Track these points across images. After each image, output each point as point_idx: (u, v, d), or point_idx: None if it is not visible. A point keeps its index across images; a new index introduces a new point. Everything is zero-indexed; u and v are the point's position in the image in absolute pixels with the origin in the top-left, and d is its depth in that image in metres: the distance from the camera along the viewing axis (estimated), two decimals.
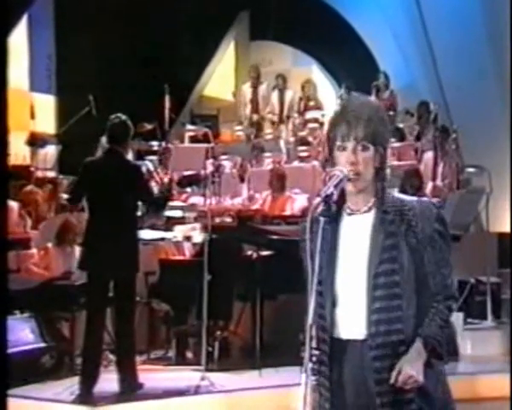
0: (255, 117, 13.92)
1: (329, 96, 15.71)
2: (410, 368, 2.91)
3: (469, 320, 8.97)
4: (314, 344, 2.87)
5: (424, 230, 2.99)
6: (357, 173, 2.98)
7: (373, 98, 3.47)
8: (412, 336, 2.96)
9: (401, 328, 2.96)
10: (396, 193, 3.13)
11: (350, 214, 3.06)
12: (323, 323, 3.01)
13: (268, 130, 13.68)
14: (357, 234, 3.03)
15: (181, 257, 9.26)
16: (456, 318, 8.43)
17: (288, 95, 13.98)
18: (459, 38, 12.95)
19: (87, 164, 7.25)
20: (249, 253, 8.44)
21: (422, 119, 12.43)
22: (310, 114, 13.09)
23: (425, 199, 3.20)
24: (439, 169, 11.49)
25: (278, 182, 10.43)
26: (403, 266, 2.97)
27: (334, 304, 3.01)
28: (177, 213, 9.74)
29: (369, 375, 2.97)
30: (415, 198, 3.12)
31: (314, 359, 2.86)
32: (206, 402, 7.07)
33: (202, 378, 7.10)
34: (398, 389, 2.92)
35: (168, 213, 9.54)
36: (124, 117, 7.21)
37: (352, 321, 3.00)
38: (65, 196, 10.43)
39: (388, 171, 3.10)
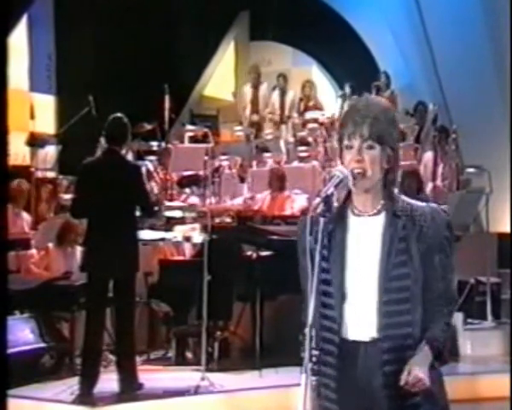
0: (255, 117, 13.91)
1: (329, 96, 15.70)
2: (419, 371, 2.91)
3: (469, 320, 8.97)
4: (314, 344, 2.86)
5: (435, 236, 3.00)
6: (363, 172, 2.97)
7: (383, 99, 3.43)
8: (419, 339, 2.97)
9: (410, 332, 2.97)
10: (405, 197, 3.11)
11: (358, 215, 3.05)
12: (331, 324, 3.01)
13: (268, 130, 13.66)
14: (367, 236, 3.02)
15: (181, 257, 9.25)
16: (456, 318, 8.43)
17: (289, 95, 13.98)
18: (459, 38, 12.94)
19: (86, 165, 7.25)
20: (249, 253, 8.44)
21: (418, 118, 12.48)
22: (310, 115, 13.08)
23: (434, 205, 3.17)
24: (439, 169, 11.49)
25: (278, 182, 10.41)
26: (414, 270, 2.98)
27: (343, 304, 3.00)
28: (177, 214, 9.73)
29: (375, 377, 2.97)
30: (424, 204, 3.11)
31: (314, 359, 2.86)
32: (206, 402, 7.08)
33: (202, 378, 7.10)
34: (406, 393, 2.92)
35: (168, 213, 9.53)
36: (122, 117, 7.20)
37: (360, 322, 3.00)
38: (65, 196, 10.46)
39: (398, 174, 3.09)
